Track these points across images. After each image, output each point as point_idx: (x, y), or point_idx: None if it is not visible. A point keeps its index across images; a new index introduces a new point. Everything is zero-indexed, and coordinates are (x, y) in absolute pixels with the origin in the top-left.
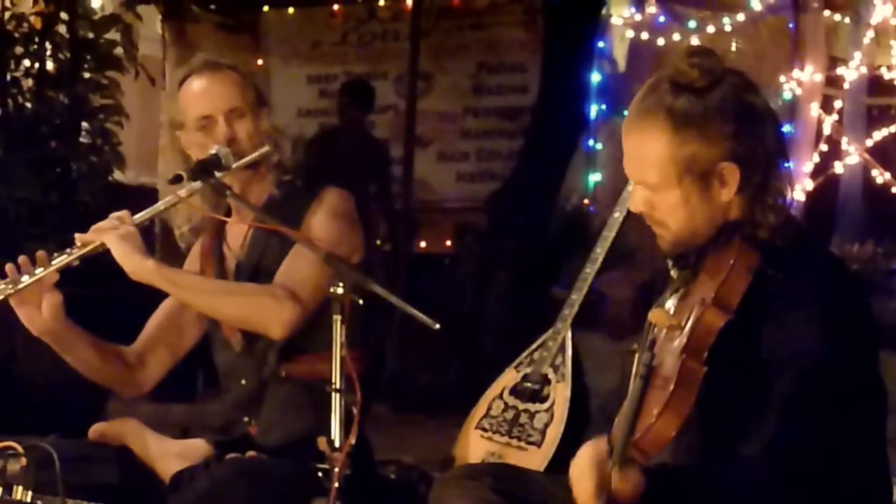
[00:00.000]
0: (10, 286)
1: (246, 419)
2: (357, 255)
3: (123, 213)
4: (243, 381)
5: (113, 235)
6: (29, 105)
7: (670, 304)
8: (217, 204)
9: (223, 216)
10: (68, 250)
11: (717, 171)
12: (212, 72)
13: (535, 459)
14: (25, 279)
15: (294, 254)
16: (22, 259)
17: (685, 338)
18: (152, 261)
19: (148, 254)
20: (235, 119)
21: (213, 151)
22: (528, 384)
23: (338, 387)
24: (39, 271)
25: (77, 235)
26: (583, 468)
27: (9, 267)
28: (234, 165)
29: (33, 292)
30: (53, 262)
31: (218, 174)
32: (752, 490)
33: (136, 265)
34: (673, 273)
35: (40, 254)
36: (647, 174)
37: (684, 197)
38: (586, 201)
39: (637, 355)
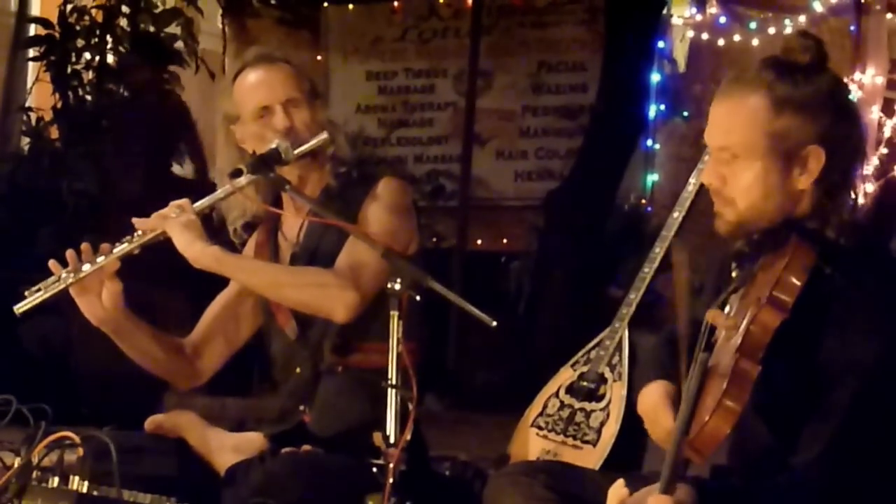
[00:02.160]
0: (72, 274)
1: (301, 408)
2: (413, 245)
3: (184, 201)
4: (298, 370)
5: (175, 223)
6: (89, 98)
7: (729, 304)
8: (273, 195)
9: (279, 208)
10: (128, 238)
11: (803, 153)
12: (267, 64)
13: (591, 458)
14: (87, 267)
15: (353, 240)
16: (84, 246)
17: (740, 337)
18: (216, 247)
19: (209, 241)
20: (292, 108)
21: (273, 146)
22: (585, 383)
23: (394, 382)
24: (101, 259)
25: (136, 222)
26: None
27: (69, 254)
28: (294, 152)
29: (94, 281)
30: (114, 251)
31: (277, 168)
32: (809, 494)
33: (199, 252)
34: (734, 275)
35: (104, 246)
36: (734, 138)
37: (764, 172)
38: (644, 201)
39: (694, 355)
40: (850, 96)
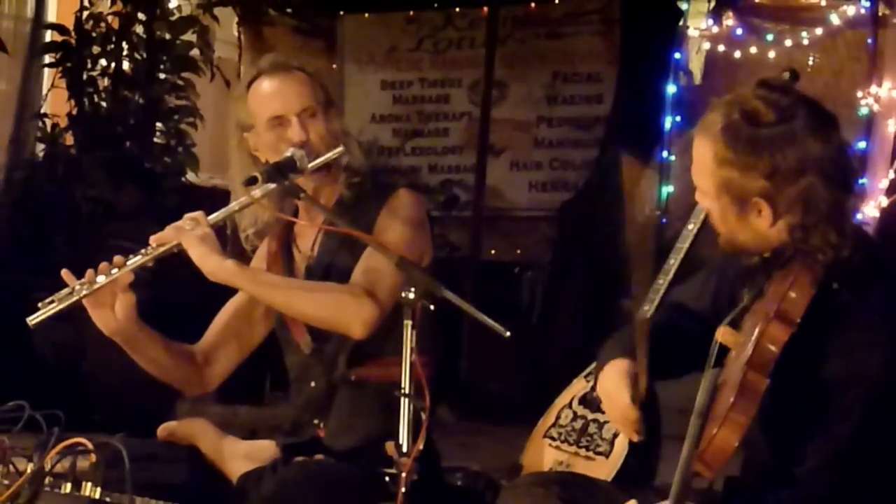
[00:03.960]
0: (86, 287)
1: (315, 421)
2: (427, 257)
3: (198, 214)
4: (313, 384)
5: (191, 237)
6: (104, 104)
7: (741, 323)
8: (286, 205)
9: (291, 217)
10: (143, 251)
11: (752, 201)
12: (282, 72)
13: (603, 469)
14: (101, 279)
15: (369, 254)
16: (102, 265)
17: (749, 351)
18: (231, 261)
19: (225, 254)
20: (308, 119)
21: (289, 154)
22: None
23: (407, 392)
24: (114, 272)
25: (153, 237)
26: None
27: (89, 272)
28: (309, 166)
29: (107, 293)
30: (128, 263)
31: (292, 176)
32: None
33: (216, 266)
34: (745, 297)
35: (118, 258)
36: (697, 179)
37: (722, 212)
38: (658, 213)
39: (704, 372)
40: (814, 142)
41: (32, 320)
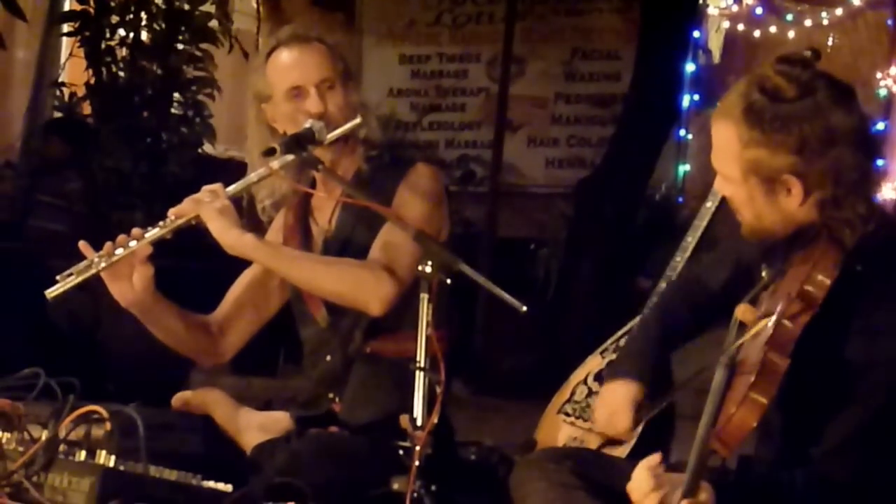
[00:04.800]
0: (104, 259)
1: (331, 395)
2: (444, 232)
3: (216, 186)
4: (328, 357)
5: (211, 209)
6: (122, 74)
7: (760, 301)
8: (303, 177)
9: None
10: (161, 223)
11: (781, 179)
12: (301, 43)
13: (618, 446)
14: (119, 251)
15: (388, 229)
16: (120, 238)
17: (769, 331)
18: (251, 235)
19: (244, 227)
20: (326, 90)
21: (307, 125)
22: None
23: (422, 365)
24: (132, 244)
25: (171, 210)
26: (644, 491)
27: (107, 244)
28: (327, 137)
29: (125, 265)
30: (146, 235)
31: (311, 148)
32: (827, 488)
33: (235, 239)
34: (764, 274)
35: (136, 231)
36: (720, 165)
37: (749, 195)
38: (675, 191)
39: (723, 350)
40: (837, 115)
41: (51, 293)
